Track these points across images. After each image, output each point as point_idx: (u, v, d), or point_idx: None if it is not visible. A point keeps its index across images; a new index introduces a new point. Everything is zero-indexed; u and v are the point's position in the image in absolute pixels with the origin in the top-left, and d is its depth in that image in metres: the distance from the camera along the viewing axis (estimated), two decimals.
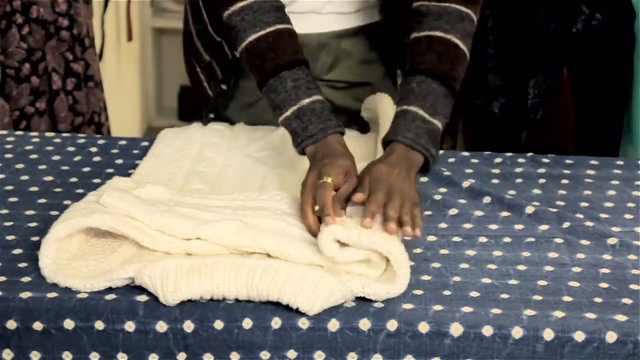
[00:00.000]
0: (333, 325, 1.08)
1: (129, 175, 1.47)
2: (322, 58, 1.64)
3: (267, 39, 1.38)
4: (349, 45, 1.63)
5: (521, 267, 1.20)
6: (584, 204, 1.39)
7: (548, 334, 1.06)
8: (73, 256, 1.17)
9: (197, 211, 1.20)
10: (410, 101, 1.32)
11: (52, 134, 1.67)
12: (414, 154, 1.28)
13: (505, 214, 1.35)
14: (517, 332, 1.07)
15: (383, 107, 1.55)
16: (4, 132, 1.70)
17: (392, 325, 1.08)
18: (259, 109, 1.67)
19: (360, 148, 1.45)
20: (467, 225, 1.32)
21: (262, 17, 1.38)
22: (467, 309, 1.10)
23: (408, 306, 1.10)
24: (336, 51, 1.64)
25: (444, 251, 1.24)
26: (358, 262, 1.15)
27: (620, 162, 1.56)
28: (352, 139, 1.48)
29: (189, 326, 1.09)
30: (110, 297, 1.11)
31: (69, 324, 1.09)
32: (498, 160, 1.55)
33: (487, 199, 1.39)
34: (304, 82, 1.36)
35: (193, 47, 1.69)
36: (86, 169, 1.50)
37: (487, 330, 1.07)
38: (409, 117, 1.30)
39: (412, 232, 1.16)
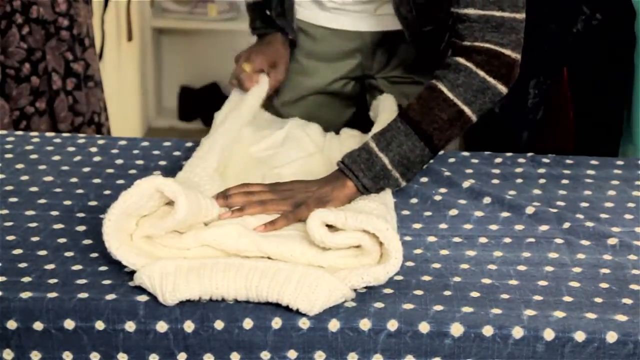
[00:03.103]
0: (333, 325, 1.08)
1: (129, 175, 1.47)
2: (378, 56, 1.68)
3: None
4: (405, 45, 1.65)
5: (521, 268, 1.20)
6: (584, 204, 1.39)
7: (548, 334, 1.06)
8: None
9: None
10: (372, 136, 1.35)
11: (52, 134, 1.67)
12: (344, 178, 1.31)
13: (505, 214, 1.35)
14: (517, 332, 1.07)
15: (382, 106, 1.56)
16: (4, 132, 1.69)
17: (392, 325, 1.08)
18: (309, 102, 1.69)
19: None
20: (468, 226, 1.32)
21: None
22: (467, 309, 1.10)
23: (408, 306, 1.10)
24: (392, 49, 1.67)
25: (444, 252, 1.24)
26: (354, 256, 1.15)
27: (620, 162, 1.56)
28: (356, 138, 1.50)
29: (189, 326, 1.09)
30: (110, 297, 1.11)
31: (69, 324, 1.09)
32: (498, 160, 1.55)
33: (487, 200, 1.39)
34: None
35: None
36: (86, 169, 1.50)
37: (488, 331, 1.07)
38: (361, 147, 1.34)
39: (230, 214, 1.23)
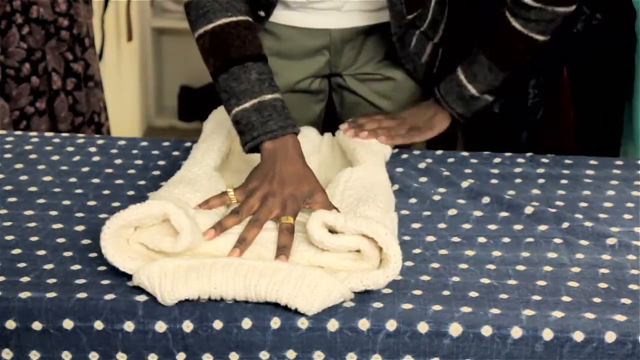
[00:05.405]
0: (332, 325, 1.08)
1: (128, 175, 1.47)
2: (346, 52, 1.66)
3: (237, 26, 1.38)
4: (373, 41, 1.65)
5: (520, 267, 1.20)
6: (583, 204, 1.39)
7: (547, 334, 1.06)
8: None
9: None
10: (460, 66, 1.57)
11: (51, 134, 1.67)
12: (438, 108, 1.59)
13: (504, 214, 1.35)
14: (516, 332, 1.07)
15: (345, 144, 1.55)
16: (4, 132, 1.69)
17: (391, 325, 1.08)
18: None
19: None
20: (466, 226, 1.32)
21: (236, 4, 1.39)
22: (466, 309, 1.10)
23: (407, 306, 1.10)
24: (360, 46, 1.66)
25: (443, 251, 1.24)
26: (353, 260, 1.15)
27: (619, 162, 1.56)
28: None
29: (188, 326, 1.09)
30: (109, 297, 1.11)
31: (68, 323, 1.09)
32: (497, 160, 1.55)
33: (486, 199, 1.39)
34: (268, 77, 1.36)
35: None
36: (85, 169, 1.50)
37: (486, 331, 1.07)
38: (450, 78, 1.58)
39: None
